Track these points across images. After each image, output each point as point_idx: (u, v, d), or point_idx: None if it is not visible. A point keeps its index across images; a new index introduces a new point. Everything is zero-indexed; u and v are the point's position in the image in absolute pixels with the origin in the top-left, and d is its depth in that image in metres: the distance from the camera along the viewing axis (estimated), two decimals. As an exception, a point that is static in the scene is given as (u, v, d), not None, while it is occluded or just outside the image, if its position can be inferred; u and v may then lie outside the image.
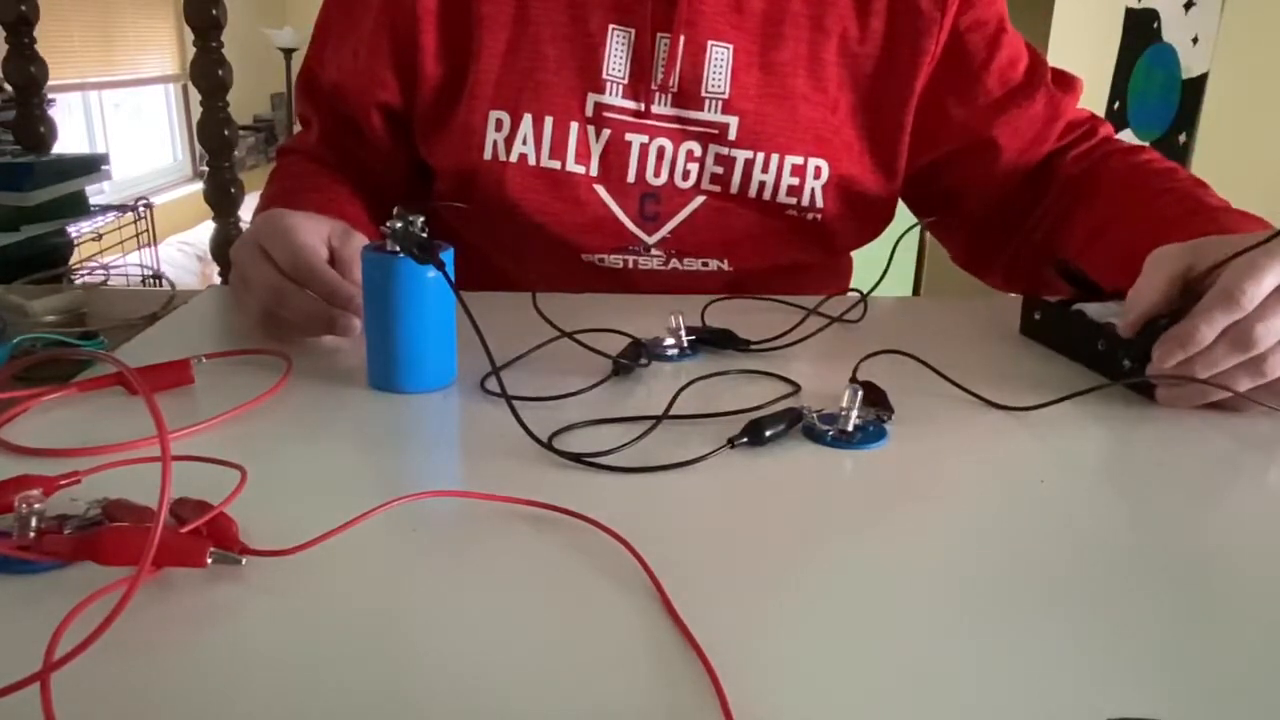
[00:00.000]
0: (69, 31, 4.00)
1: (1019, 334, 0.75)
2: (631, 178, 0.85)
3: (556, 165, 0.84)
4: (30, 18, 1.51)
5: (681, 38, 0.82)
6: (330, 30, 0.90)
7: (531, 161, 0.84)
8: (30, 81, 1.54)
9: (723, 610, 0.38)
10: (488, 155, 0.83)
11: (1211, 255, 0.60)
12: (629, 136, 0.84)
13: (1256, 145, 3.04)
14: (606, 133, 0.84)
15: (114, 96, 4.52)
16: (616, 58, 0.83)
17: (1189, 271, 0.61)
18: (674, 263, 0.89)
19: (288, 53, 5.01)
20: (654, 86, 0.83)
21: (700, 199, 0.87)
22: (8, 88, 1.58)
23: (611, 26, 0.82)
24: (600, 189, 0.85)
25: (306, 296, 0.65)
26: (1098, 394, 0.62)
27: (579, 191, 0.84)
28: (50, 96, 1.63)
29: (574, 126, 0.83)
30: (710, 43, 0.83)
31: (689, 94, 0.84)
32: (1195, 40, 2.94)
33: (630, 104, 0.84)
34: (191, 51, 1.63)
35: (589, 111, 0.83)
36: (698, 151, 0.86)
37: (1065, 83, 0.92)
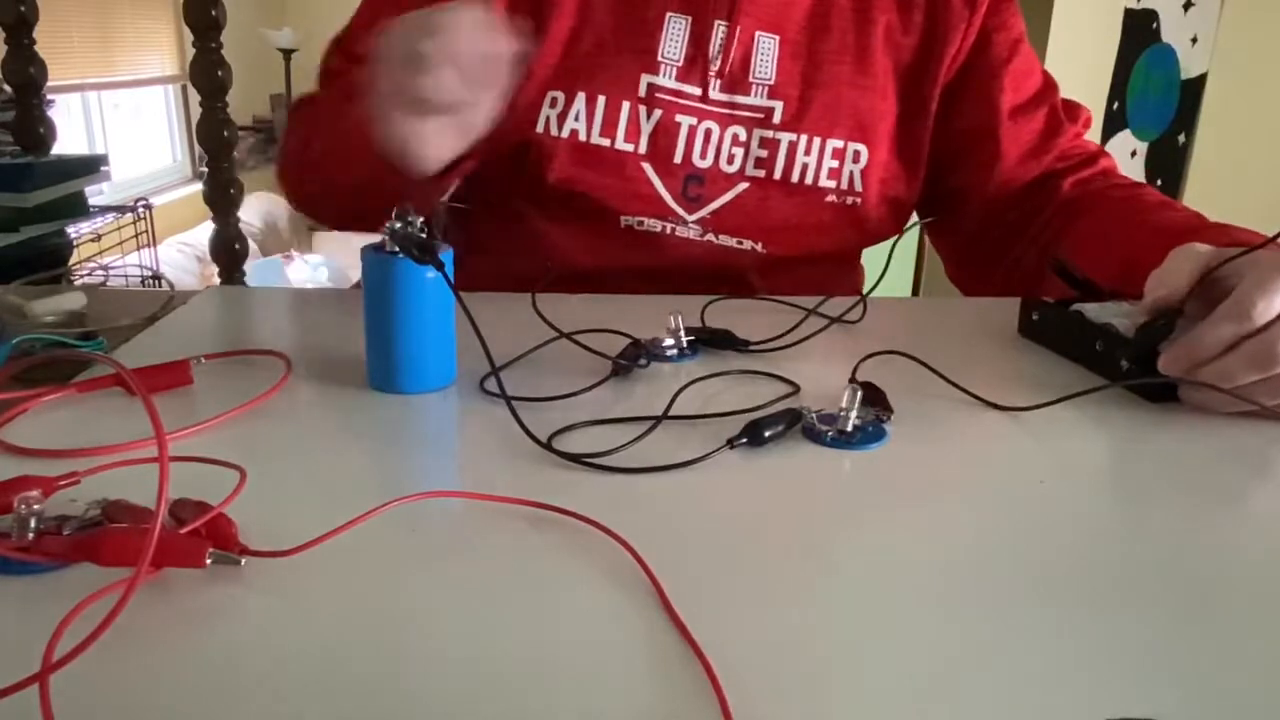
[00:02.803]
0: (68, 32, 4.00)
1: (1017, 334, 0.75)
2: (679, 158, 0.88)
3: (606, 142, 0.86)
4: (30, 18, 1.51)
5: (737, 26, 0.86)
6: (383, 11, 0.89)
7: (581, 137, 0.86)
8: (29, 82, 1.54)
9: (722, 610, 0.38)
10: (539, 129, 0.86)
11: (1239, 260, 0.60)
12: (679, 118, 0.87)
13: (1256, 145, 3.04)
14: (658, 113, 0.86)
15: (113, 97, 4.51)
16: (673, 41, 0.86)
17: (1210, 270, 0.61)
18: (709, 236, 0.90)
19: (287, 53, 5.00)
20: (712, 73, 0.86)
21: (744, 185, 0.89)
22: (7, 88, 1.58)
23: (670, 14, 0.86)
24: (647, 166, 0.87)
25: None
26: (1096, 395, 0.62)
27: (625, 168, 0.87)
28: (49, 97, 1.63)
29: (626, 105, 0.86)
30: (759, 32, 0.87)
31: (737, 79, 0.87)
32: (1194, 41, 2.94)
33: (683, 87, 0.87)
34: (191, 52, 1.63)
35: (642, 92, 0.86)
36: (743, 136, 0.88)
37: (1072, 111, 0.95)
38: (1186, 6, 2.89)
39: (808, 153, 0.88)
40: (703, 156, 0.88)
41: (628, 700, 0.33)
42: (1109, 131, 2.91)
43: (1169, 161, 3.05)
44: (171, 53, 4.86)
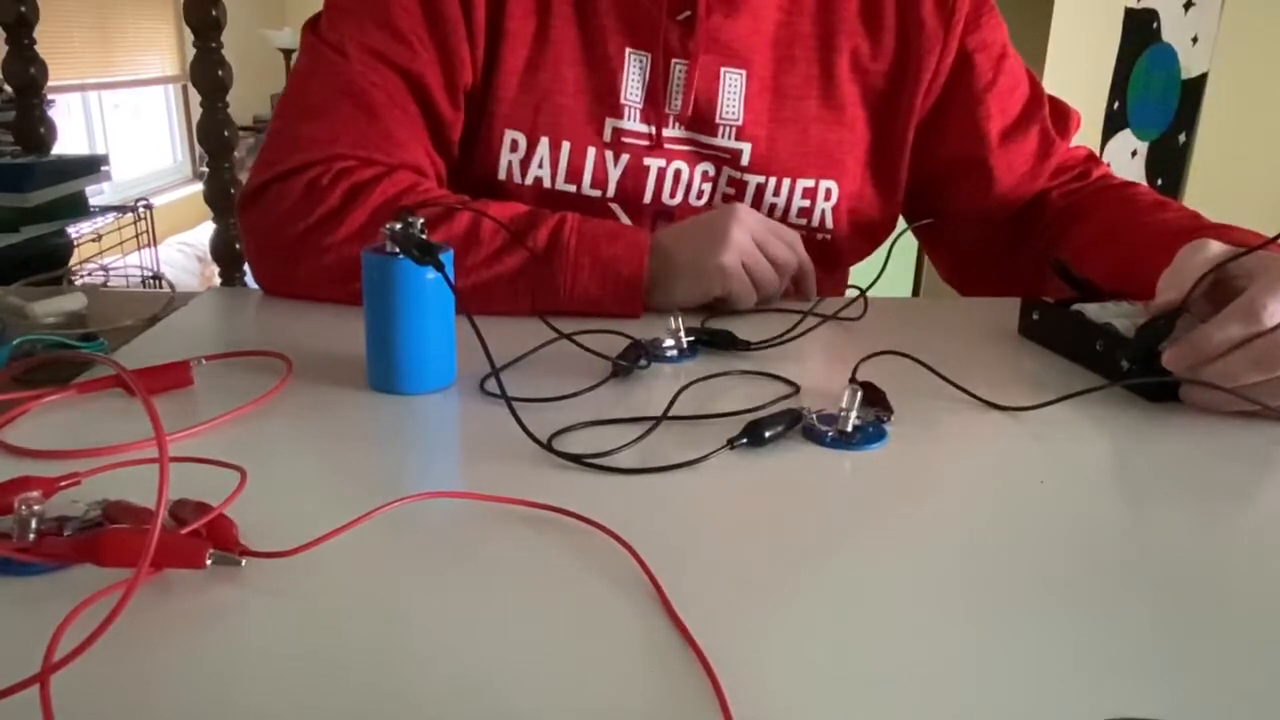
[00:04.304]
0: (69, 32, 4.00)
1: (1018, 334, 0.75)
2: (648, 199, 0.86)
3: (571, 189, 0.84)
4: (30, 19, 1.51)
5: (696, 64, 0.82)
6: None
7: (546, 184, 0.84)
8: (30, 82, 1.54)
9: (722, 610, 0.38)
10: (502, 176, 0.83)
11: (1246, 259, 0.60)
12: (647, 161, 0.85)
13: (1256, 145, 3.04)
14: (625, 158, 0.84)
15: (114, 97, 4.52)
16: (634, 83, 0.83)
17: (1218, 269, 0.60)
18: None
19: (287, 53, 5.00)
20: (669, 111, 0.84)
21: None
22: (7, 89, 1.58)
23: (629, 51, 0.82)
24: (615, 206, 0.86)
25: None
26: (1096, 394, 0.62)
27: (594, 211, 0.84)
28: (50, 97, 1.63)
29: (591, 152, 0.83)
30: (724, 69, 0.84)
31: (703, 119, 0.85)
32: (1195, 40, 2.94)
33: (647, 129, 0.84)
34: (191, 52, 1.63)
35: (607, 137, 0.83)
36: (712, 172, 0.87)
37: (1061, 119, 0.93)
38: (1187, 6, 2.89)
39: (776, 193, 0.87)
40: (672, 195, 0.86)
41: (628, 700, 0.33)
42: (1109, 131, 2.91)
43: (1169, 161, 3.05)
44: (171, 53, 4.86)
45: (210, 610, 0.38)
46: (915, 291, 3.11)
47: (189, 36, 1.63)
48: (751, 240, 0.75)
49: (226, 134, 1.66)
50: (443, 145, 0.82)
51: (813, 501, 0.49)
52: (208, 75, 1.61)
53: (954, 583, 0.41)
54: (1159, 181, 3.02)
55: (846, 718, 0.33)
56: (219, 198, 1.70)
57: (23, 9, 1.49)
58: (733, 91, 0.84)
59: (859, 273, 1.05)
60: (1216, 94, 3.00)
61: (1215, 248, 0.61)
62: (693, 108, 0.84)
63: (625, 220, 0.86)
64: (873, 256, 0.96)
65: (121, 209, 1.87)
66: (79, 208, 1.28)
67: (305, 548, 0.41)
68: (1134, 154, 3.00)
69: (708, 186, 0.87)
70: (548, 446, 0.52)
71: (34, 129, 1.55)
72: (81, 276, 1.27)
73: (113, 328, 0.72)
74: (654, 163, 0.85)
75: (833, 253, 0.91)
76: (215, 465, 0.49)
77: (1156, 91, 2.95)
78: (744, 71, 0.84)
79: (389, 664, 0.35)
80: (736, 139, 0.85)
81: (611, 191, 0.85)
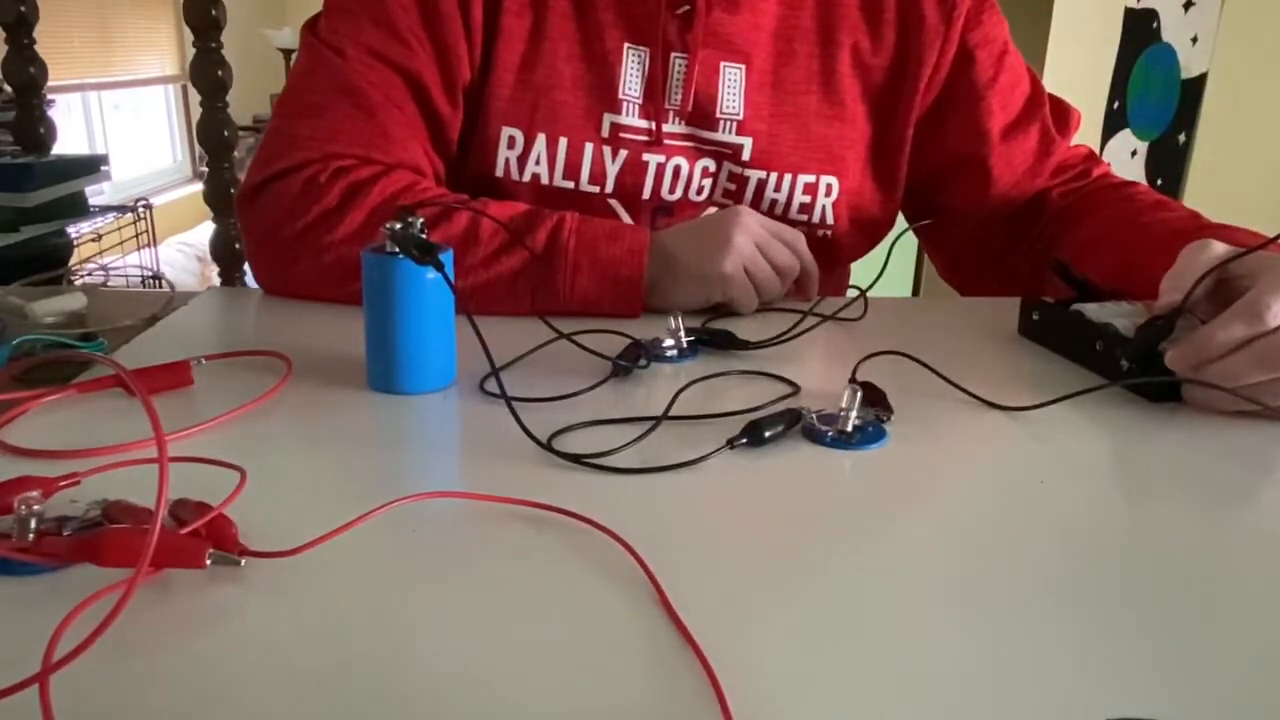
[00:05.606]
0: (68, 32, 4.00)
1: (1017, 334, 0.75)
2: (647, 194, 0.86)
3: (570, 185, 0.84)
4: (30, 18, 1.51)
5: (696, 58, 0.82)
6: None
7: (544, 181, 0.83)
8: (30, 82, 1.54)
9: (722, 610, 0.38)
10: (499, 173, 0.83)
11: (1249, 259, 0.60)
12: (646, 156, 0.84)
13: (1256, 145, 3.04)
14: (624, 154, 0.84)
15: (113, 97, 4.52)
16: (632, 77, 0.82)
17: (1220, 268, 0.60)
18: None
19: (287, 53, 5.00)
20: (668, 106, 0.83)
21: (712, 211, 0.87)
22: (7, 88, 1.58)
23: (627, 46, 0.82)
24: (613, 202, 0.86)
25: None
26: (1096, 394, 0.62)
27: (591, 207, 0.84)
28: (50, 97, 1.63)
29: (589, 148, 0.83)
30: (723, 64, 0.83)
31: (703, 114, 0.84)
32: (1195, 40, 2.94)
33: (646, 124, 0.83)
34: (191, 52, 1.63)
35: (605, 132, 0.83)
36: (712, 168, 0.86)
37: (1062, 117, 0.93)
38: (1187, 6, 2.89)
39: (777, 189, 0.87)
40: (671, 191, 0.86)
41: (628, 700, 0.33)
42: (1109, 131, 2.91)
43: (1169, 161, 3.05)
44: (171, 53, 4.86)
45: (210, 610, 0.38)
46: (915, 291, 3.11)
47: (189, 36, 1.63)
48: (754, 245, 0.75)
49: (226, 134, 1.66)
50: (441, 144, 0.82)
51: (813, 501, 0.49)
52: (208, 75, 1.61)
53: (954, 583, 0.41)
54: (1159, 181, 3.02)
55: (846, 718, 0.33)
56: (219, 198, 1.70)
57: (23, 9, 1.49)
58: (733, 86, 0.84)
59: (859, 272, 1.05)
60: (1216, 94, 3.00)
61: (1218, 248, 0.61)
62: (693, 103, 0.84)
63: (624, 216, 0.86)
64: (873, 256, 0.96)
65: (121, 209, 1.88)
66: (79, 208, 1.28)
67: (305, 548, 0.41)
68: (1134, 154, 3.00)
69: (708, 182, 0.87)
70: (548, 446, 0.52)
71: (34, 129, 1.55)
72: (81, 276, 1.27)
73: (112, 327, 0.72)
74: (653, 158, 0.84)
75: (833, 250, 0.91)
76: (215, 465, 0.48)
77: (1156, 91, 2.95)
78: (744, 66, 0.84)
79: (389, 663, 0.35)
80: (737, 134, 0.85)
81: (610, 187, 0.84)
